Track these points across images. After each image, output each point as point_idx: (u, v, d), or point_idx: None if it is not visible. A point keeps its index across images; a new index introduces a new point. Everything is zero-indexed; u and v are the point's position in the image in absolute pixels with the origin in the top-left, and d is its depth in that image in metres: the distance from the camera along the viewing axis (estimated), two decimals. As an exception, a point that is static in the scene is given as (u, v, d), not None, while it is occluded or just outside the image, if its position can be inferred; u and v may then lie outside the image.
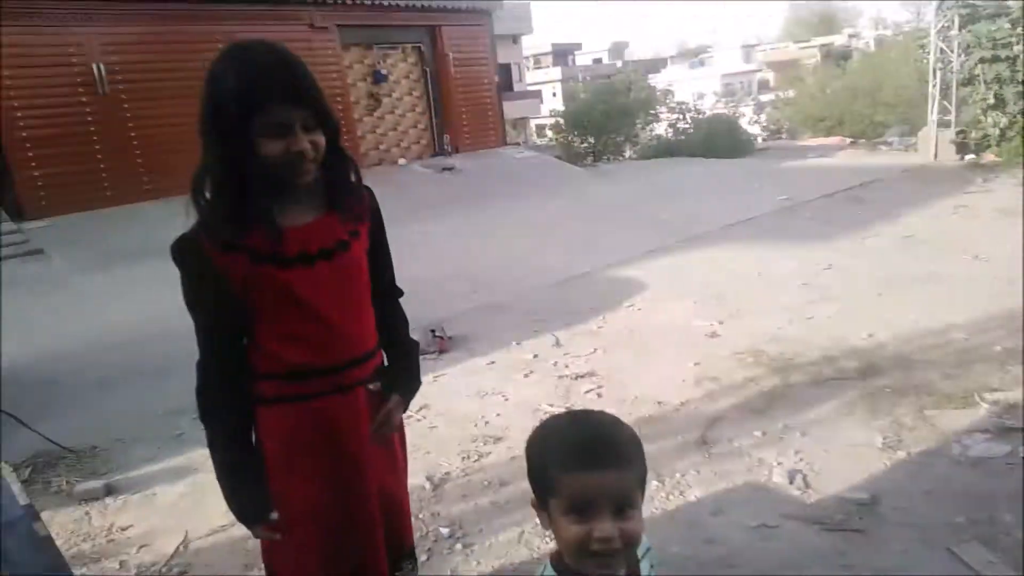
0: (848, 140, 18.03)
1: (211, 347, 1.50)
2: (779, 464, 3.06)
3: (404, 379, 1.75)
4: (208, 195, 1.43)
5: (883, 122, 18.68)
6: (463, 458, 3.41)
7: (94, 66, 10.85)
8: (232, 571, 2.70)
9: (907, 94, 18.10)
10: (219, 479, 1.57)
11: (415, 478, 3.24)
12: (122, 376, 5.08)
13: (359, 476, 1.57)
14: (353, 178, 1.60)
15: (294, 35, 13.13)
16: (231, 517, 3.01)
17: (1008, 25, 11.11)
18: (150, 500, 3.29)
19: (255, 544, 2.85)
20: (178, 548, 2.88)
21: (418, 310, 6.45)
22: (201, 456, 3.67)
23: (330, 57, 13.72)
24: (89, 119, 10.95)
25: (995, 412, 3.30)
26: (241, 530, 2.93)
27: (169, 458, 3.70)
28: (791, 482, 2.92)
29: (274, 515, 1.52)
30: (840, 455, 3.09)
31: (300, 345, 1.49)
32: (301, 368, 1.50)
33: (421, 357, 4.99)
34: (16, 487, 1.68)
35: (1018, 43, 10.93)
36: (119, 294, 7.63)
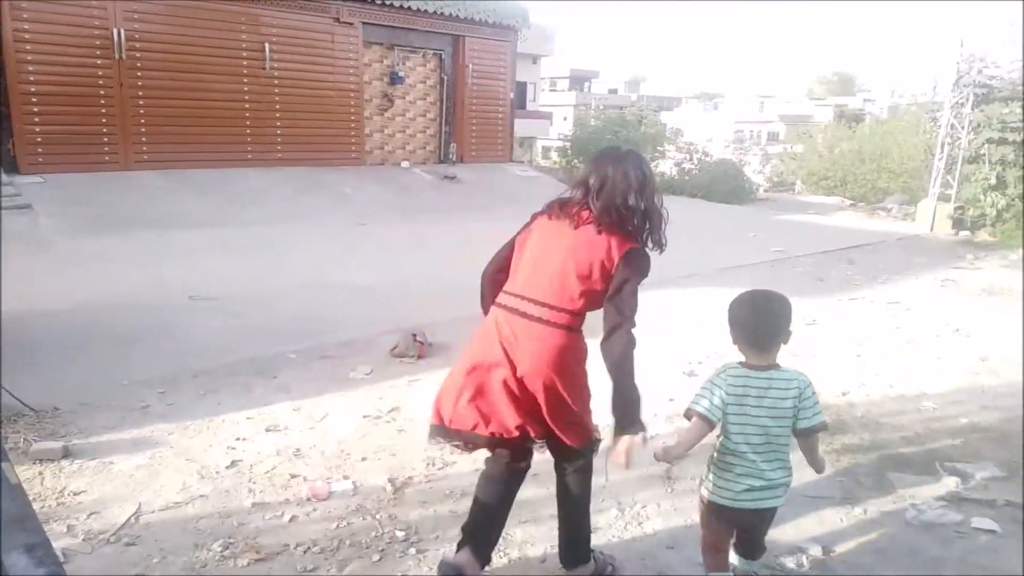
0: (848, 201, 18.25)
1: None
2: (738, 508, 3.07)
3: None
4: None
5: (885, 188, 18.90)
6: (428, 464, 3.41)
7: (114, 31, 10.90)
8: (181, 548, 2.68)
9: (912, 164, 18.34)
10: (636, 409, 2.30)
11: (377, 478, 3.25)
12: (93, 342, 5.06)
13: None
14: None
15: (318, 25, 13.24)
16: (186, 494, 3.02)
17: (1020, 109, 11.33)
18: (107, 468, 3.27)
19: (207, 523, 2.85)
20: (129, 519, 2.86)
21: (404, 313, 6.48)
22: (162, 431, 3.67)
23: (351, 52, 13.82)
24: (100, 82, 10.98)
25: (953, 482, 3.34)
26: (195, 508, 2.93)
27: (131, 429, 3.68)
28: (747, 527, 2.93)
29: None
30: (800, 505, 3.12)
31: None
32: None
33: (400, 360, 4.99)
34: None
35: (1027, 129, 11.18)
36: (102, 259, 7.60)
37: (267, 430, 3.75)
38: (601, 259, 2.23)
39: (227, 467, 3.33)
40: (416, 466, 3.40)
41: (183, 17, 11.60)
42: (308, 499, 3.06)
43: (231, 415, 3.91)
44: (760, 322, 2.34)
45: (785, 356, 4.52)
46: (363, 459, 3.46)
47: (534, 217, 2.48)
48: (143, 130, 11.40)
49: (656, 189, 2.30)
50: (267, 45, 12.55)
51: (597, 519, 2.97)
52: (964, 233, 12.18)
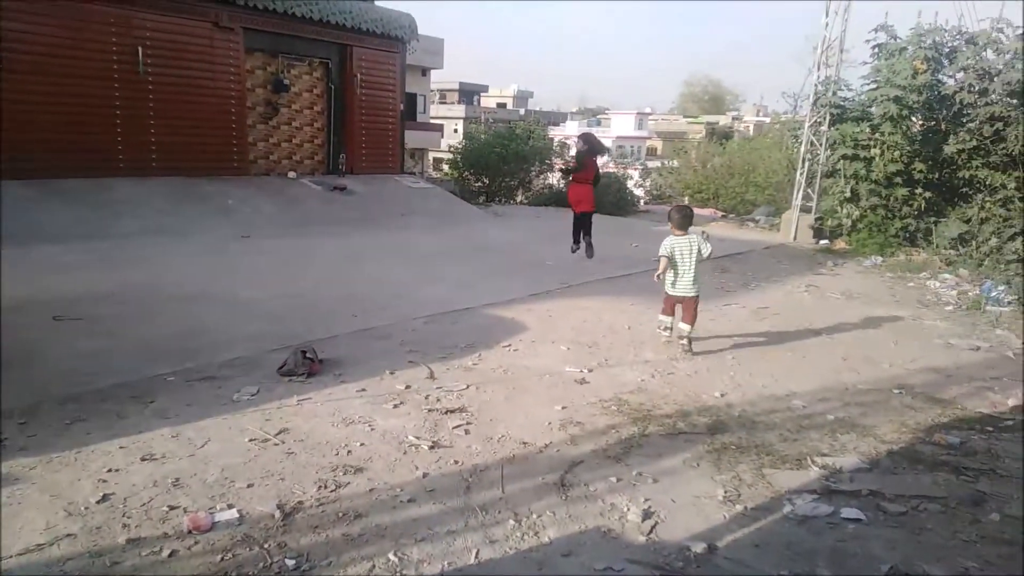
0: (720, 213, 19.37)
1: None
2: (629, 509, 3.19)
3: None
4: None
5: (753, 201, 20.25)
6: (319, 487, 3.31)
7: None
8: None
9: (776, 178, 19.78)
10: None
11: (264, 505, 3.11)
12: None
13: None
14: None
15: (196, 30, 12.61)
16: (51, 534, 2.79)
17: (868, 129, 12.46)
18: (-44, 509, 2.95)
19: (75, 565, 2.64)
20: (-17, 564, 2.59)
21: (295, 328, 6.26)
22: (23, 466, 3.37)
23: (231, 58, 13.25)
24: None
25: (823, 475, 3.61)
26: (60, 549, 2.71)
27: (-14, 464, 3.34)
28: (639, 528, 3.05)
29: None
30: (685, 505, 3.27)
31: None
32: None
33: (288, 379, 4.82)
34: None
35: (875, 146, 12.27)
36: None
37: (142, 459, 3.51)
38: None
39: (97, 502, 3.09)
40: (307, 489, 3.29)
41: (47, 16, 10.71)
42: (189, 531, 2.89)
43: (102, 445, 3.63)
44: (680, 217, 5.74)
45: (668, 360, 4.76)
46: (249, 485, 3.31)
47: None
48: (2, 136, 10.41)
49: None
50: (140, 49, 11.81)
51: (494, 531, 2.99)
52: (824, 242, 13.22)
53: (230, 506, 3.10)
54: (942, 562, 2.89)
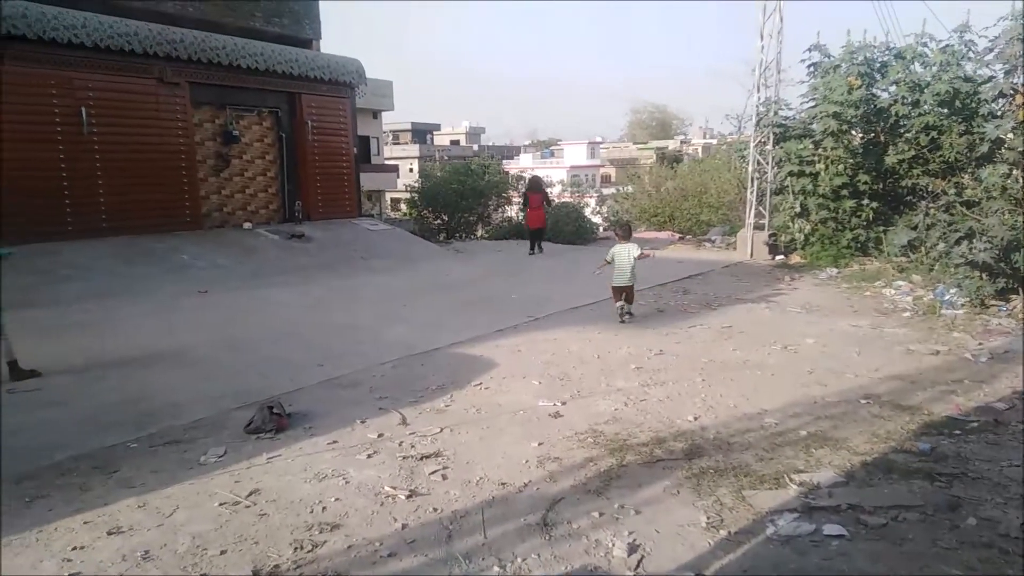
0: (678, 235, 19.71)
1: None
2: (614, 545, 3.15)
3: None
4: None
5: (708, 221, 20.67)
6: (295, 548, 3.20)
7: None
8: None
9: (728, 198, 20.26)
10: None
11: (240, 571, 3.00)
12: None
13: None
14: None
15: (141, 87, 12.48)
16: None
17: (811, 146, 12.89)
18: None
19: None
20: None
21: (258, 384, 6.12)
22: (-20, 551, 3.19)
23: (178, 112, 13.13)
24: None
25: (802, 492, 3.64)
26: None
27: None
28: (626, 563, 3.01)
29: None
30: (670, 535, 3.25)
31: None
32: None
33: (256, 437, 4.70)
34: None
35: (819, 162, 12.68)
36: None
37: (109, 533, 3.35)
38: None
39: (61, 585, 2.94)
40: (283, 552, 3.18)
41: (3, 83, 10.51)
42: (162, 608, 2.76)
43: (65, 521, 3.47)
44: (623, 230, 8.87)
45: (639, 386, 4.75)
46: (222, 552, 3.18)
47: None
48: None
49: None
50: (84, 109, 11.62)
51: (480, 579, 2.92)
52: (780, 257, 13.53)
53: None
54: (926, 572, 2.91)
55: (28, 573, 3.03)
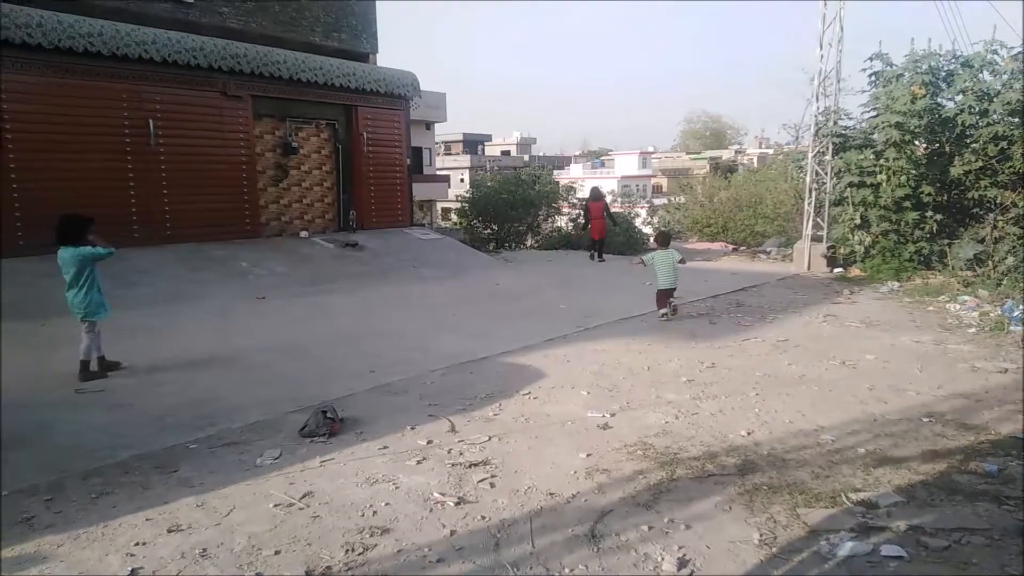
0: (731, 246, 19.39)
1: None
2: (663, 559, 3.11)
3: None
4: None
5: (763, 232, 20.27)
6: (347, 551, 3.26)
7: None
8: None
9: (784, 209, 19.84)
10: None
11: (293, 572, 3.07)
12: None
13: None
14: None
15: (205, 100, 12.97)
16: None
17: (873, 156, 12.52)
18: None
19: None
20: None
21: (313, 389, 6.25)
22: (50, 543, 3.35)
23: (240, 125, 13.59)
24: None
25: (859, 512, 3.52)
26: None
27: (13, 545, 3.33)
28: (674, 579, 2.97)
29: None
30: (721, 551, 3.19)
31: None
32: None
33: (310, 440, 4.81)
34: None
35: (881, 172, 12.32)
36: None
37: (169, 531, 3.48)
38: None
39: (125, 577, 3.06)
40: (335, 553, 3.24)
41: (59, 96, 11.08)
42: (219, 603, 2.85)
43: (128, 518, 3.61)
44: (662, 238, 9.57)
45: (690, 399, 4.67)
46: (276, 552, 3.27)
47: None
48: (17, 215, 10.65)
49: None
50: (152, 121, 12.15)
51: (527, 588, 2.92)
52: (838, 270, 13.16)
53: (258, 575, 3.06)
54: (992, 598, 2.79)
55: (95, 565, 3.17)
